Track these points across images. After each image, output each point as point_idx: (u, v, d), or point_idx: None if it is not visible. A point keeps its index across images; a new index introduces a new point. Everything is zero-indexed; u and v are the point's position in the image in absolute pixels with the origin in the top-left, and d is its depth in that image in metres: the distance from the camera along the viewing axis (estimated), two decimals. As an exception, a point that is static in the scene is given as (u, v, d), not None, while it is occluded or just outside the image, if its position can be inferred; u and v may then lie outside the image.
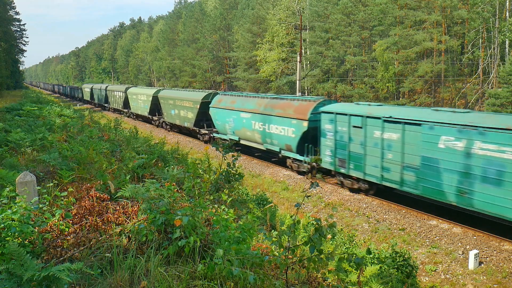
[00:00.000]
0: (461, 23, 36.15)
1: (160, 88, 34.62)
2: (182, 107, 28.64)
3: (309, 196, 4.66)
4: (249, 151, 22.75)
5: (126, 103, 41.40)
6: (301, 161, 17.84)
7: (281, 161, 20.13)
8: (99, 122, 20.36)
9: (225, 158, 7.52)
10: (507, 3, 32.10)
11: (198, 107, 26.08)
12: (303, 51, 43.35)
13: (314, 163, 16.92)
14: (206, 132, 26.14)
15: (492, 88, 32.64)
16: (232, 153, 7.56)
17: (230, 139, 22.19)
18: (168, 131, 32.92)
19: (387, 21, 38.58)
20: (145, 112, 36.36)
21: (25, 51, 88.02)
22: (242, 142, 22.05)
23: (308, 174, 17.45)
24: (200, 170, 7.36)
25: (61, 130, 16.34)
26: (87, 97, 62.09)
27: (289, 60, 48.39)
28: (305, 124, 17.05)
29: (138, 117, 39.86)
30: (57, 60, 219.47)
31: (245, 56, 54.08)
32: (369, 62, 40.32)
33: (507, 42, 32.31)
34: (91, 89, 58.63)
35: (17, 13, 75.58)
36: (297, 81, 32.79)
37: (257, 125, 20.22)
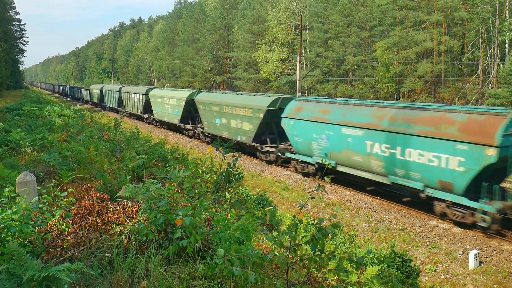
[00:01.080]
0: (461, 24, 36.16)
1: (196, 90, 29.47)
2: (233, 115, 22.69)
3: (313, 198, 4.67)
4: (349, 182, 16.54)
5: (147, 108, 36.71)
6: (471, 209, 11.50)
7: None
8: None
9: (225, 158, 7.52)
10: (507, 3, 32.10)
11: (262, 116, 20.09)
12: (303, 51, 43.37)
13: None
14: (272, 149, 20.17)
15: (492, 88, 32.65)
16: (233, 153, 7.55)
17: (317, 163, 16.79)
18: (208, 143, 26.34)
19: (387, 21, 38.59)
20: (174, 119, 30.54)
21: (25, 51, 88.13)
22: (341, 169, 15.62)
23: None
24: (200, 170, 7.36)
25: (61, 130, 16.35)
26: (96, 99, 57.80)
27: (289, 60, 48.40)
28: (491, 152, 10.66)
29: (162, 124, 34.37)
30: (57, 60, 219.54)
31: (245, 56, 54.09)
32: (369, 62, 40.33)
33: (507, 42, 32.31)
34: (101, 90, 54.51)
35: (17, 13, 75.65)
36: (297, 81, 32.80)
37: (377, 148, 13.91)
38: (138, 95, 37.52)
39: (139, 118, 38.99)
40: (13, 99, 43.36)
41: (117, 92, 44.13)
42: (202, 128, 26.58)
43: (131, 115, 41.16)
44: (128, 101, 40.70)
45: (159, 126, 34.35)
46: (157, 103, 32.98)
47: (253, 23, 54.05)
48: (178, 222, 4.06)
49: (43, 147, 12.30)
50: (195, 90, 28.53)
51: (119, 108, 43.78)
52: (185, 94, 28.68)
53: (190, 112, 28.51)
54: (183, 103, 28.33)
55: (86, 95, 67.72)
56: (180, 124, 29.31)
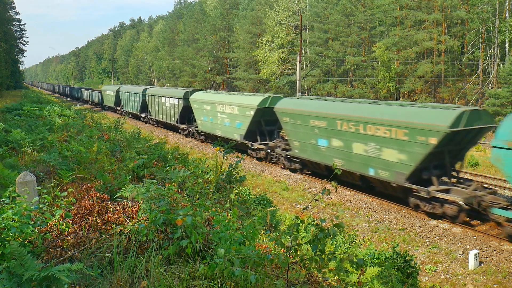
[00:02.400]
0: (461, 23, 36.17)
1: (269, 95, 21.12)
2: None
3: (318, 200, 4.66)
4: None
5: (184, 116, 29.50)
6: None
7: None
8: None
9: (226, 158, 7.53)
10: (507, 3, 32.10)
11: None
12: (303, 51, 43.37)
13: None
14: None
15: (492, 88, 32.65)
16: (237, 155, 7.55)
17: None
18: (304, 172, 18.60)
19: (388, 21, 38.61)
20: (234, 134, 22.19)
21: (25, 51, 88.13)
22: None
23: None
24: (201, 171, 7.37)
25: (61, 130, 16.35)
26: (109, 102, 49.88)
27: (289, 60, 48.42)
28: None
29: (208, 138, 26.36)
30: (57, 60, 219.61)
31: (245, 56, 54.12)
32: (369, 62, 40.34)
33: (507, 42, 32.31)
34: (117, 92, 46.29)
35: (17, 13, 75.69)
36: (297, 81, 32.82)
37: None
38: (172, 99, 30.26)
39: (171, 128, 32.27)
40: (13, 99, 43.39)
41: (140, 95, 37.87)
42: (287, 152, 20.45)
43: (159, 124, 35.36)
44: (156, 107, 33.91)
45: (203, 140, 26.99)
46: (204, 112, 25.45)
47: (252, 23, 54.07)
48: (179, 222, 4.06)
49: (43, 147, 12.30)
50: (266, 95, 21.18)
51: (142, 115, 38.28)
52: (254, 100, 20.65)
53: (260, 124, 20.82)
54: (252, 113, 20.27)
55: (87, 95, 63.59)
56: (246, 142, 21.37)
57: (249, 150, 21.58)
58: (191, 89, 27.40)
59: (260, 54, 49.08)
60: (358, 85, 41.26)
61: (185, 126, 27.22)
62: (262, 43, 49.46)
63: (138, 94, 38.54)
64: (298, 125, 17.19)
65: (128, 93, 42.31)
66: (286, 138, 19.57)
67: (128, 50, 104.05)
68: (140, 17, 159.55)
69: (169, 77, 76.92)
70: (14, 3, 73.69)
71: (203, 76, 64.33)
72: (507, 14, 32.28)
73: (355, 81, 42.17)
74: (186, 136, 25.35)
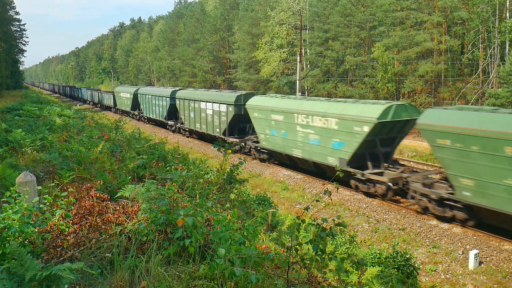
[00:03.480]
0: (461, 23, 36.17)
1: (391, 102, 15.22)
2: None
3: (318, 200, 4.67)
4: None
5: (234, 126, 23.78)
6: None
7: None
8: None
9: (226, 159, 7.53)
10: (507, 3, 32.11)
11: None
12: (303, 51, 43.38)
13: None
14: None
15: (492, 88, 32.65)
16: (240, 157, 7.55)
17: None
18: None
19: (388, 21, 38.61)
20: (329, 157, 16.11)
21: (25, 51, 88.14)
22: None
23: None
24: (201, 171, 7.37)
25: (61, 130, 16.36)
26: (124, 105, 42.71)
27: (289, 60, 48.42)
28: None
29: (274, 157, 20.67)
30: (57, 60, 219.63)
31: (245, 57, 54.13)
32: (369, 62, 40.35)
33: (507, 42, 32.31)
34: (135, 94, 39.37)
35: (17, 13, 75.74)
36: (297, 81, 32.83)
37: None
38: (217, 105, 24.37)
39: (210, 140, 26.06)
40: (13, 99, 43.39)
41: (168, 99, 32.03)
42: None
43: (192, 134, 29.66)
44: (192, 113, 28.01)
45: (264, 159, 21.07)
46: (271, 123, 19.34)
47: (252, 24, 54.06)
48: (180, 222, 4.06)
49: (43, 147, 12.30)
50: (386, 102, 15.23)
51: (169, 122, 32.76)
52: (371, 110, 14.51)
53: (374, 145, 15.05)
54: (368, 129, 14.19)
55: (96, 97, 57.97)
56: (351, 169, 15.50)
57: (355, 182, 15.51)
58: (243, 91, 23.14)
59: (260, 55, 49.09)
60: (358, 85, 41.27)
61: (236, 140, 22.03)
62: (261, 44, 49.47)
63: (164, 98, 32.55)
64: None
65: (150, 96, 35.90)
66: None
67: (128, 50, 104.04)
68: (140, 17, 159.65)
69: (169, 77, 76.90)
70: (14, 3, 73.73)
71: (203, 77, 64.34)
72: (507, 14, 32.28)
73: (355, 81, 42.17)
74: (234, 152, 18.49)
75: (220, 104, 24.22)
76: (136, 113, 39.93)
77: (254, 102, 21.00)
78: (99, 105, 56.47)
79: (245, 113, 21.63)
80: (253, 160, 21.50)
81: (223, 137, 24.12)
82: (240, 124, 23.15)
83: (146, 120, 39.08)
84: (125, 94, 42.73)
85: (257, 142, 21.17)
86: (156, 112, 35.08)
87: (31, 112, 22.57)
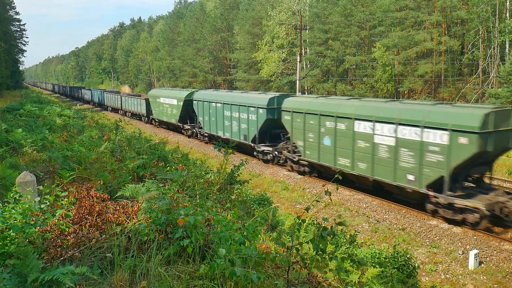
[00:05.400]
0: (461, 23, 36.18)
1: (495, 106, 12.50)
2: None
3: (319, 201, 4.67)
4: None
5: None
6: None
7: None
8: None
9: (226, 159, 7.53)
10: (507, 3, 32.10)
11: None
12: (303, 51, 43.38)
13: None
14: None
15: (492, 88, 32.65)
16: (242, 159, 7.54)
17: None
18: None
19: (388, 21, 38.62)
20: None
21: (25, 51, 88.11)
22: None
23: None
24: (202, 171, 7.37)
25: (61, 130, 16.36)
26: (165, 115, 32.06)
27: (289, 60, 48.43)
28: None
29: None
30: (57, 60, 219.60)
31: (245, 57, 54.12)
32: (369, 62, 40.35)
33: (507, 42, 32.31)
34: (186, 100, 28.56)
35: (17, 13, 75.74)
36: (297, 81, 32.83)
37: None
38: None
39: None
40: (13, 99, 43.38)
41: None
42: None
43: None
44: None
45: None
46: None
47: (252, 24, 54.04)
48: (180, 221, 4.06)
49: (44, 147, 12.30)
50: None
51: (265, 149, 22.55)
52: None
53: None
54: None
55: (117, 102, 45.33)
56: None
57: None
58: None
59: (260, 56, 49.08)
60: (357, 84, 41.29)
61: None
62: (261, 45, 49.45)
63: (256, 108, 20.95)
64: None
65: (220, 104, 24.06)
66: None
67: (128, 50, 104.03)
68: (140, 17, 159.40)
69: (169, 77, 76.89)
70: (14, 3, 73.72)
71: (204, 77, 64.32)
72: (507, 14, 32.28)
73: (355, 81, 42.19)
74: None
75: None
76: (188, 127, 29.32)
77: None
78: (121, 111, 44.88)
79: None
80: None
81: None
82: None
83: (206, 138, 26.89)
84: (169, 100, 31.23)
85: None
86: (237, 131, 22.91)
87: (31, 112, 22.58)
